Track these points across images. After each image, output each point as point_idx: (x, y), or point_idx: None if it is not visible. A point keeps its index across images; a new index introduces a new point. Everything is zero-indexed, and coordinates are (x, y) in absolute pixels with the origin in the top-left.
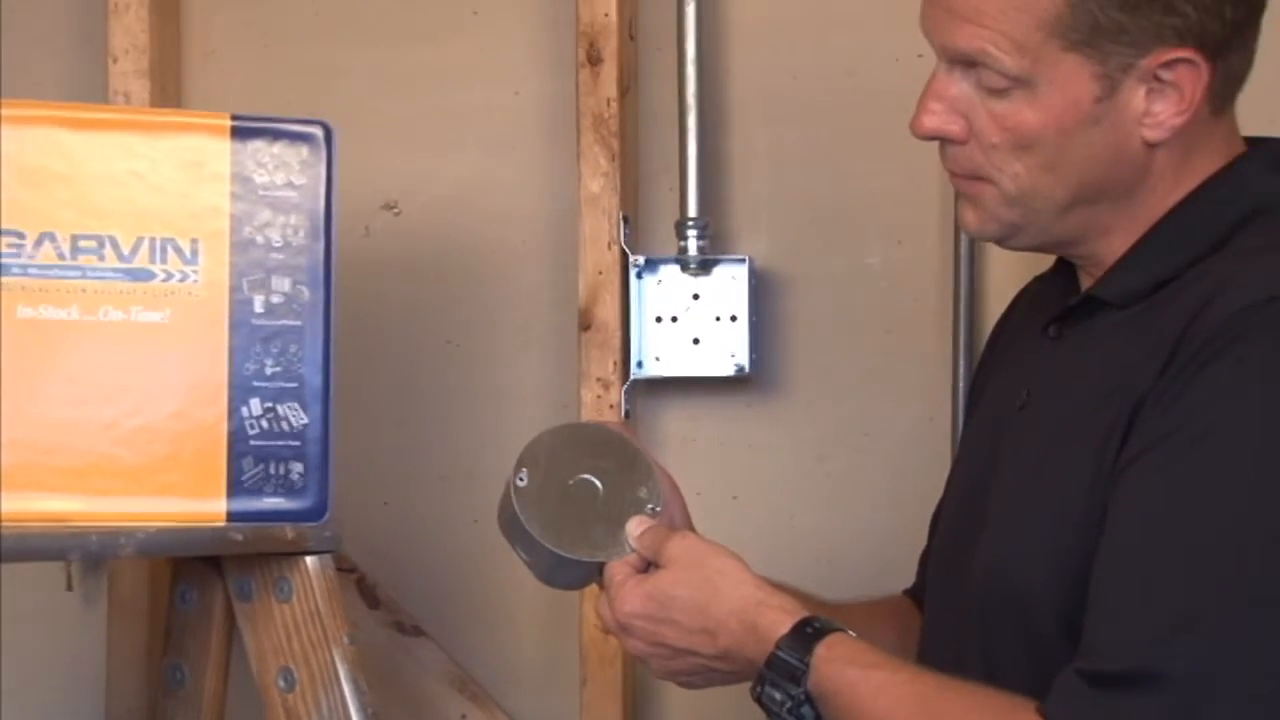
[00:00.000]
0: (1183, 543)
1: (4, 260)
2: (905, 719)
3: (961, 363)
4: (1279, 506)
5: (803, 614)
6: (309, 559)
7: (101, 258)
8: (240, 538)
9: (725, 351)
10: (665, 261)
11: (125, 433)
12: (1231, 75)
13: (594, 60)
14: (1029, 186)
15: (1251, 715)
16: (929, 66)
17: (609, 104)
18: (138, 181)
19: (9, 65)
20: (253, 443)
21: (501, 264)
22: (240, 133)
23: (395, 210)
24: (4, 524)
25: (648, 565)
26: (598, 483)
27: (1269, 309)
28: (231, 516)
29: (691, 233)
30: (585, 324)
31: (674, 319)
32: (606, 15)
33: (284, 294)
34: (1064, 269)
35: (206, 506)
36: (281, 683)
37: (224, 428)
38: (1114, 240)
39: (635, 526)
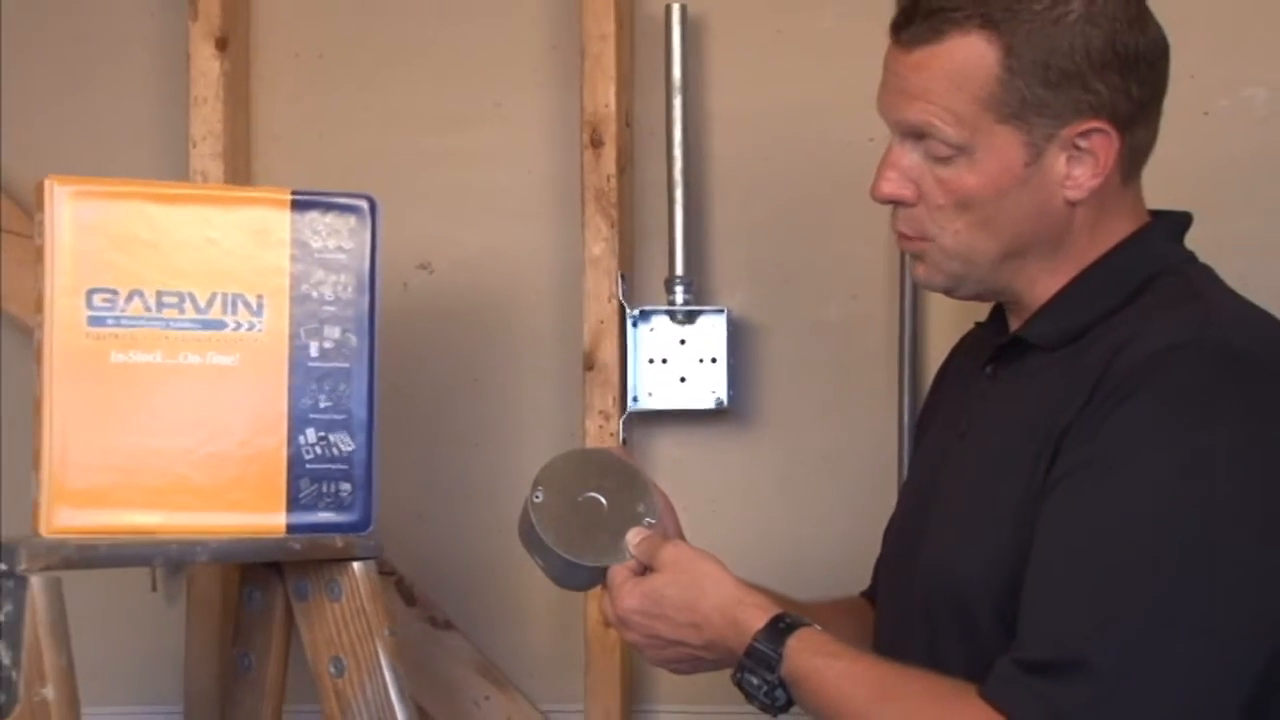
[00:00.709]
0: (1100, 553)
1: (100, 313)
2: (864, 700)
3: (905, 398)
4: (1175, 524)
5: (776, 611)
6: (356, 564)
7: (181, 310)
8: (298, 546)
9: (707, 388)
10: (656, 312)
11: (200, 458)
12: (1138, 147)
13: (596, 144)
14: (968, 241)
15: (1159, 699)
16: (878, 150)
17: (609, 180)
18: (212, 246)
19: (108, 150)
20: (308, 466)
21: (518, 314)
22: (299, 205)
23: (429, 269)
24: (100, 535)
25: (644, 569)
26: (602, 499)
27: (1170, 355)
28: (290, 529)
29: (679, 288)
30: (589, 365)
31: (664, 360)
32: (606, 106)
33: (335, 340)
34: (998, 318)
35: (269, 520)
36: (332, 669)
37: (284, 454)
38: (1039, 288)
39: (634, 536)
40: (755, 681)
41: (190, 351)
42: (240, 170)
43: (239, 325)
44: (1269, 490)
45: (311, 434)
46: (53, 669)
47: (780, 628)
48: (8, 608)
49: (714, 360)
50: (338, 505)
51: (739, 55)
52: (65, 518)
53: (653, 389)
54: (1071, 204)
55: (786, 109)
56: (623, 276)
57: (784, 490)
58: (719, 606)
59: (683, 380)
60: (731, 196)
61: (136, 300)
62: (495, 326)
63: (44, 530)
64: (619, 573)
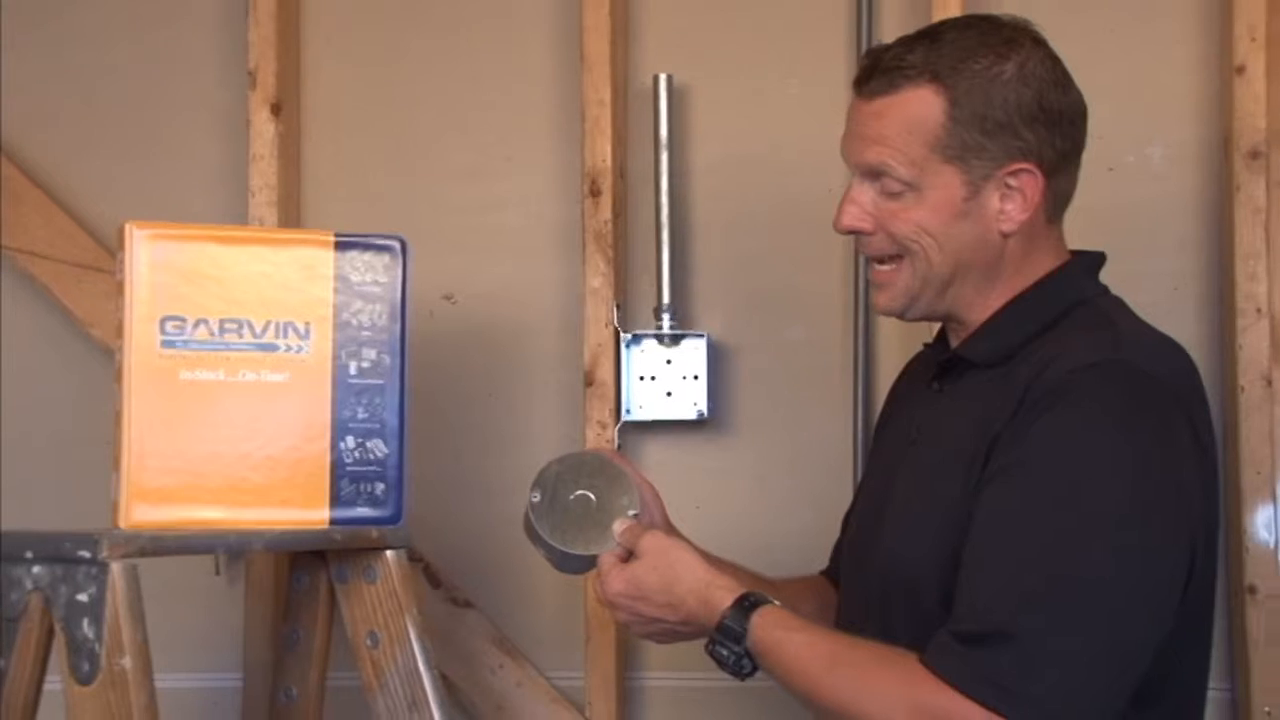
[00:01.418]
0: (1024, 539)
1: (171, 338)
2: (820, 667)
3: (859, 408)
4: (1088, 513)
5: (741, 591)
6: (389, 552)
7: (240, 335)
8: (339, 537)
9: (690, 401)
10: (646, 336)
11: (256, 462)
12: (1060, 192)
13: (595, 193)
14: (923, 263)
15: (1072, 664)
16: (835, 197)
17: (606, 224)
18: (267, 281)
19: (180, 198)
20: (348, 469)
21: (528, 338)
22: (341, 245)
23: (452, 300)
24: (170, 528)
25: (629, 555)
26: (592, 496)
27: (1087, 372)
28: (333, 522)
29: (665, 315)
30: (589, 382)
31: (653, 378)
32: (604, 161)
33: (371, 361)
34: (940, 341)
35: (315, 515)
36: (369, 642)
37: (328, 458)
38: (976, 311)
39: (619, 526)
40: (724, 652)
41: (248, 370)
42: (291, 216)
43: (289, 348)
44: (1165, 486)
45: (351, 441)
46: (130, 642)
47: (745, 606)
48: (91, 590)
49: (696, 377)
50: (373, 502)
51: (717, 117)
52: (141, 513)
53: (643, 402)
54: (1004, 235)
55: (757, 162)
56: (618, 306)
57: (756, 488)
58: (692, 589)
59: (669, 395)
60: (711, 237)
61: (202, 327)
62: (509, 348)
63: (123, 523)
64: (607, 560)
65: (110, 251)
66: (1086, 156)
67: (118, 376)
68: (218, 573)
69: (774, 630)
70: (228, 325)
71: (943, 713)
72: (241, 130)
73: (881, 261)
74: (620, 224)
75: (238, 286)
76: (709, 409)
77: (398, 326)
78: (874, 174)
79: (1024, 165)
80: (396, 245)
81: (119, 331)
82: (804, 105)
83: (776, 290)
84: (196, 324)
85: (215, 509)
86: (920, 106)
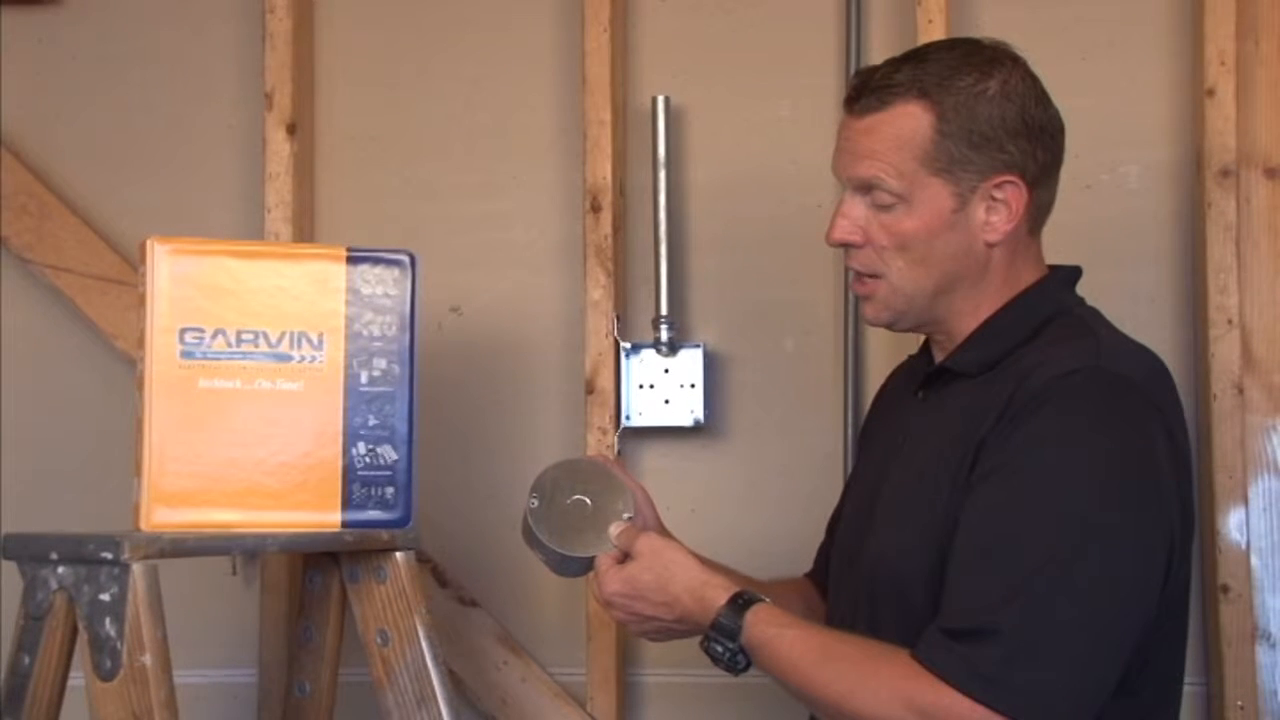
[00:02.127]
0: (1009, 539)
1: (191, 348)
2: (811, 661)
3: (850, 416)
4: (1070, 513)
5: (735, 589)
6: (398, 554)
7: (256, 345)
8: (350, 539)
9: (687, 409)
10: (645, 346)
11: (271, 467)
12: (1041, 205)
13: (596, 209)
14: (908, 277)
15: (1056, 656)
16: (826, 213)
17: (606, 239)
18: (282, 293)
19: (199, 214)
20: (359, 473)
21: (532, 349)
22: (353, 259)
23: (459, 312)
24: (189, 530)
25: (625, 557)
26: (588, 500)
27: (1069, 379)
28: (345, 524)
29: (663, 326)
30: (590, 390)
31: (651, 386)
32: (604, 178)
33: (381, 370)
34: (924, 352)
35: (327, 517)
36: (379, 639)
37: (340, 463)
38: (963, 322)
39: (614, 529)
40: (719, 649)
41: (263, 379)
42: (305, 231)
43: (303, 358)
44: (1143, 486)
45: (362, 447)
46: (150, 640)
47: (739, 604)
48: (113, 589)
49: (692, 386)
50: (384, 505)
51: (712, 136)
52: (161, 515)
53: (642, 409)
54: (990, 246)
55: (751, 180)
56: (617, 317)
57: (750, 492)
58: (687, 587)
59: (667, 402)
60: (707, 251)
61: (220, 337)
62: (513, 358)
63: (143, 525)
64: (603, 561)
65: (133, 265)
66: (1065, 175)
67: (139, 385)
68: (234, 573)
69: (767, 627)
70: (244, 336)
71: (933, 706)
72: (258, 150)
73: (863, 276)
74: (620, 239)
75: (254, 299)
76: (705, 416)
77: (407, 337)
78: (865, 187)
79: (1009, 177)
80: (406, 259)
81: (140, 342)
82: (795, 126)
83: (770, 302)
84: (214, 335)
85: (232, 512)
86: (909, 122)
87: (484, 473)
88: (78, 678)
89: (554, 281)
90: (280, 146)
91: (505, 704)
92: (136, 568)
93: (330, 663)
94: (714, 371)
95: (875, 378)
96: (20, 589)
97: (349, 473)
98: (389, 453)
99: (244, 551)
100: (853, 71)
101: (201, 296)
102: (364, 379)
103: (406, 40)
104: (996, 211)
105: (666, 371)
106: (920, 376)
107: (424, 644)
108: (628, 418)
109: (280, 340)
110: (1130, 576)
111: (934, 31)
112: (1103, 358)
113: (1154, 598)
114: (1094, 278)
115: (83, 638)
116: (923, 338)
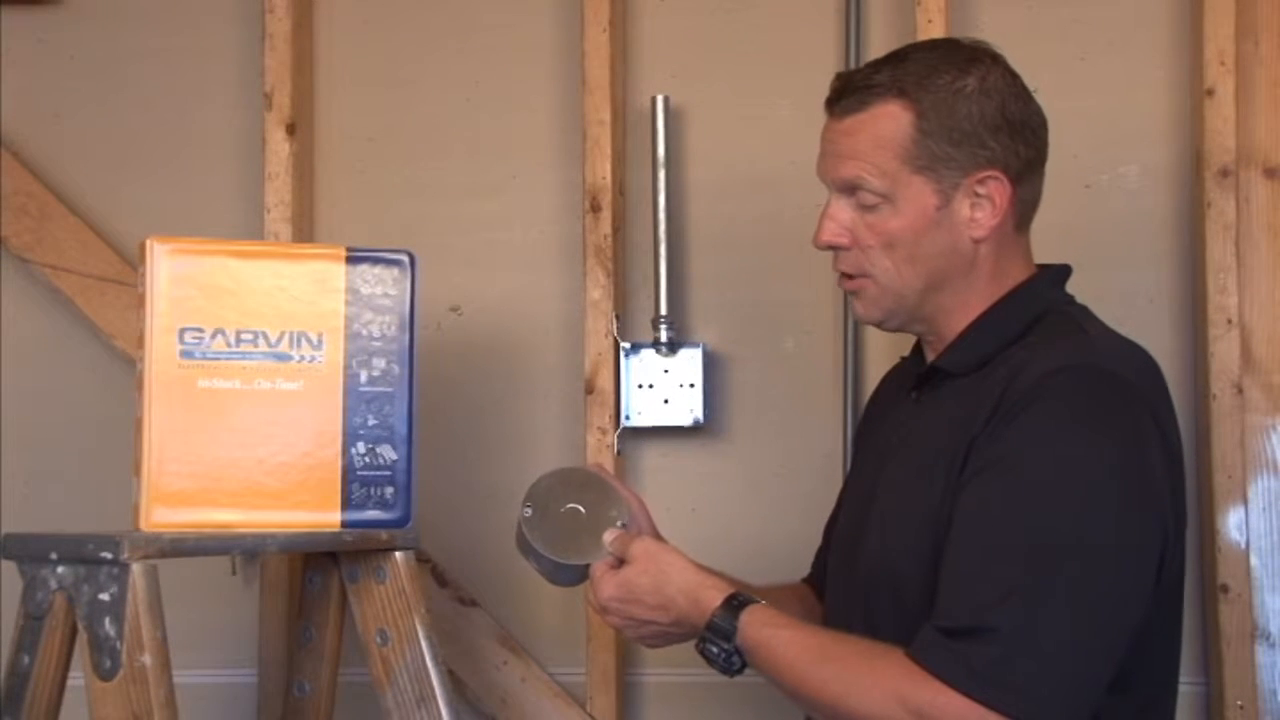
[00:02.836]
0: (1003, 537)
1: (190, 348)
2: (808, 662)
3: (849, 417)
4: (1063, 510)
5: (730, 591)
6: (398, 553)
7: (256, 345)
8: (350, 539)
9: (686, 408)
10: (645, 346)
11: (271, 466)
12: (1027, 200)
13: (595, 209)
14: (896, 276)
15: (1051, 654)
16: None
17: (606, 239)
18: (282, 293)
19: (198, 214)
20: (359, 473)
21: (532, 349)
22: (352, 259)
23: (458, 312)
24: (189, 530)
25: (620, 563)
26: (581, 508)
27: (1059, 376)
28: (344, 524)
29: (663, 326)
30: (590, 390)
31: (651, 386)
32: (604, 178)
33: (381, 370)
34: (916, 354)
35: (327, 517)
36: (379, 639)
37: (339, 463)
38: (954, 321)
39: (608, 536)
40: (715, 650)
41: (263, 379)
42: (305, 231)
43: (303, 358)
44: (1136, 481)
45: (362, 446)
46: (149, 640)
47: (734, 605)
48: (113, 589)
49: (692, 385)
50: (383, 505)
51: (712, 137)
52: (160, 515)
53: (641, 409)
54: (976, 242)
55: (750, 180)
56: (617, 317)
57: (749, 491)
58: (683, 590)
59: (666, 402)
60: (706, 251)
61: (219, 337)
62: (513, 358)
63: (143, 525)
64: (598, 568)
65: (132, 265)
66: (1065, 175)
67: (138, 385)
68: (234, 573)
69: (762, 628)
70: (244, 336)
71: (930, 705)
72: (257, 150)
73: (851, 276)
74: (619, 239)
75: (253, 299)
76: (704, 416)
77: (406, 337)
78: (850, 189)
79: (991, 172)
80: (405, 259)
81: (140, 342)
82: (794, 126)
83: (769, 303)
84: (214, 334)
85: (232, 512)
86: (889, 121)
87: (483, 472)
88: (77, 678)
89: (553, 281)
90: (280, 146)
91: (505, 704)
92: (136, 567)
93: (330, 663)
94: (713, 371)
95: (874, 378)
96: (20, 589)
97: (348, 472)
98: (388, 453)
99: (244, 551)
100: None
101: (201, 296)
102: (363, 379)
103: (406, 40)
104: (981, 207)
105: (666, 371)
106: (912, 378)
107: (424, 644)
108: (627, 417)
109: (280, 340)
110: (1123, 572)
111: (934, 31)
112: (1093, 354)
113: (1148, 593)
114: (1093, 277)
115: (82, 638)
116: (915, 339)
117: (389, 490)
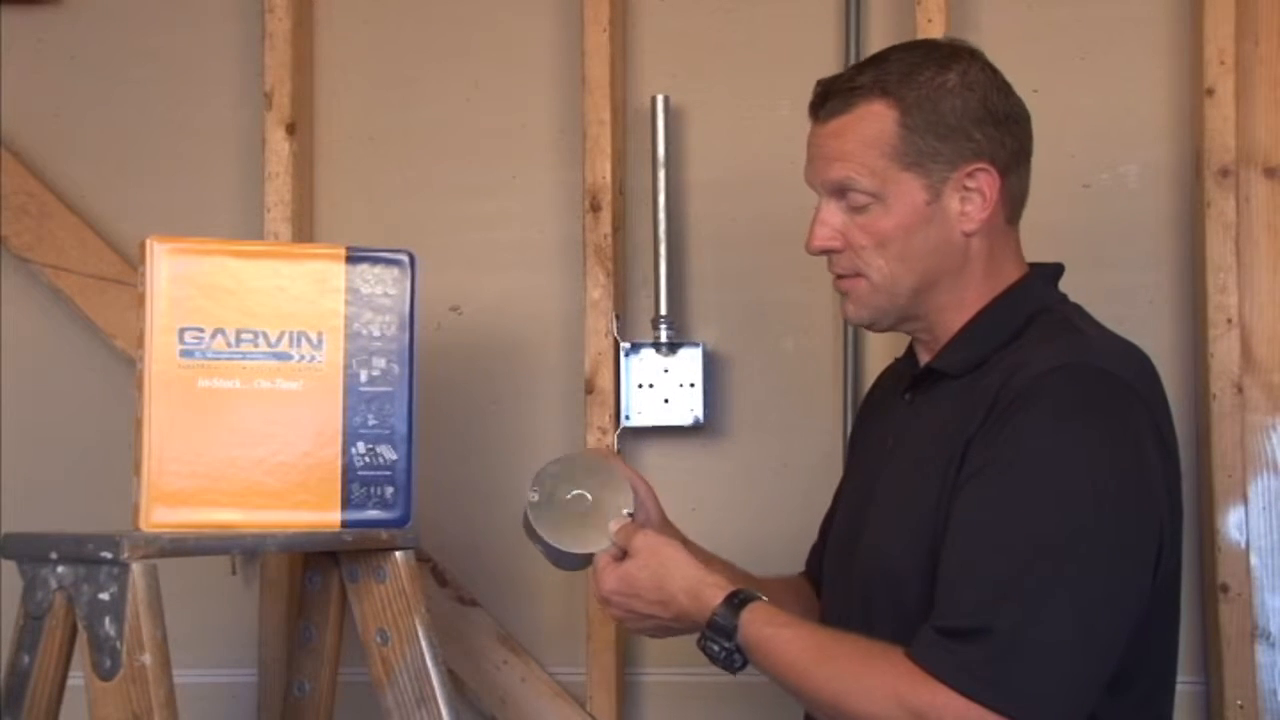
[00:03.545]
0: (1000, 537)
1: (190, 348)
2: (807, 660)
3: (848, 416)
4: (1059, 510)
5: (731, 588)
6: (398, 553)
7: (256, 345)
8: (350, 539)
9: (686, 408)
10: (645, 346)
11: (271, 466)
12: (1015, 193)
13: (595, 208)
14: (889, 274)
15: (1047, 654)
16: None
17: (605, 238)
18: (281, 293)
19: (198, 214)
20: (359, 473)
21: (531, 348)
22: (352, 259)
23: (458, 311)
24: (189, 530)
25: (624, 554)
26: (588, 495)
27: (1054, 375)
28: (344, 524)
29: (663, 326)
30: (590, 389)
31: (651, 385)
32: (604, 178)
33: (381, 369)
34: (910, 356)
35: (327, 517)
36: (379, 639)
37: (339, 462)
38: (948, 319)
39: (613, 526)
40: (715, 648)
41: (263, 379)
42: (305, 231)
43: (303, 357)
44: (1133, 480)
45: (362, 446)
46: (149, 639)
47: (735, 603)
48: (113, 589)
49: (692, 385)
50: (383, 505)
51: (712, 137)
52: (160, 515)
53: (641, 409)
54: (968, 236)
55: (750, 180)
56: (617, 316)
57: (749, 490)
58: (683, 586)
59: (666, 402)
60: (706, 251)
61: (219, 337)
62: (513, 357)
63: (143, 525)
64: (602, 558)
65: (132, 265)
66: (1064, 175)
67: (138, 385)
68: (234, 573)
69: (763, 626)
70: (244, 335)
71: (929, 705)
72: (257, 149)
73: (845, 276)
74: (619, 238)
75: (253, 298)
76: (704, 415)
77: (406, 336)
78: (839, 191)
79: (979, 165)
80: (405, 259)
81: (140, 341)
82: (794, 126)
83: (769, 302)
84: (214, 334)
85: (232, 511)
86: (874, 120)
87: (483, 472)
88: (77, 677)
89: (553, 281)
90: (280, 146)
91: (505, 704)
92: (136, 567)
93: (330, 662)
94: (713, 371)
95: (873, 377)
96: (20, 589)
97: (348, 472)
98: (388, 452)
99: (244, 551)
100: None
101: (201, 296)
102: (363, 378)
103: (406, 40)
104: (971, 200)
105: (666, 371)
106: (907, 379)
107: (424, 644)
108: (627, 417)
109: (280, 340)
110: (1121, 571)
111: (934, 31)
112: (1088, 353)
113: (1145, 591)
114: (1093, 277)
115: (82, 637)
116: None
117: (389, 490)
